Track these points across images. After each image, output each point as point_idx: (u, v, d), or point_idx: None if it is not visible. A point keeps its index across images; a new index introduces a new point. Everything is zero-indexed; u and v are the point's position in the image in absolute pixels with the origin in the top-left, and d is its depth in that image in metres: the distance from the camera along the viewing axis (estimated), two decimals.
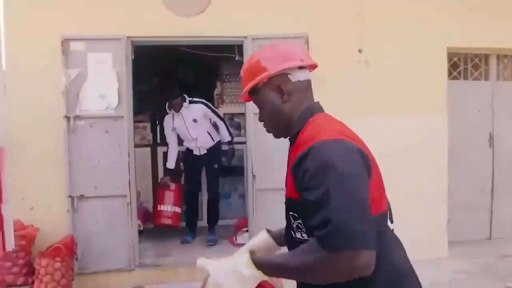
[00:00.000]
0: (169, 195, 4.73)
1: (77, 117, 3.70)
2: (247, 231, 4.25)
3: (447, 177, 4.29)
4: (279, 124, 1.28)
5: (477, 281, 3.72)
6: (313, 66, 1.31)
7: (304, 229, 1.15)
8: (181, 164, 4.84)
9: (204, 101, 4.59)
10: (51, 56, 3.65)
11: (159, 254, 4.27)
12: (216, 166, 4.62)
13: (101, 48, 3.72)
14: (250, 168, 3.99)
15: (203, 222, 4.94)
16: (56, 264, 3.32)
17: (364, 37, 4.08)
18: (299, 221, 1.16)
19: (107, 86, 3.73)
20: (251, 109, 3.78)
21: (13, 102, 3.66)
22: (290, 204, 1.20)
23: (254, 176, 3.93)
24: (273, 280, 1.29)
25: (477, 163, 4.65)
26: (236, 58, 4.30)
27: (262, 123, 1.32)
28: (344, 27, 4.10)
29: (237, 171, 5.20)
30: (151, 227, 4.95)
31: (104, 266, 3.73)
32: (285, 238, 1.30)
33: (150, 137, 5.71)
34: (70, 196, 3.68)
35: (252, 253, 1.16)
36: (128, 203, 3.76)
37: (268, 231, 1.45)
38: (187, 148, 4.64)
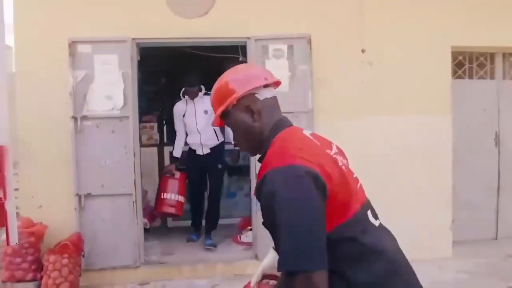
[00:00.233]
0: (173, 183, 4.57)
1: (84, 118, 3.78)
2: (251, 229, 4.30)
3: (452, 177, 4.26)
4: (253, 143, 1.33)
5: (480, 281, 3.70)
6: (277, 83, 1.37)
7: None
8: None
9: None
10: (58, 58, 3.74)
11: (164, 252, 4.33)
12: (220, 166, 4.58)
13: (107, 50, 3.80)
14: (253, 168, 4.03)
15: None
16: (64, 261, 3.41)
17: (366, 37, 4.08)
18: None
19: (113, 87, 3.81)
20: None
21: (22, 103, 3.79)
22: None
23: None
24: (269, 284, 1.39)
25: (483, 163, 4.61)
26: (240, 59, 4.34)
27: (236, 144, 1.38)
28: (346, 27, 4.10)
29: (243, 171, 5.22)
30: (158, 226, 5.00)
31: (110, 263, 3.82)
32: None
33: (157, 137, 5.76)
34: (77, 194, 3.76)
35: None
36: (133, 202, 3.83)
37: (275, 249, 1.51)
38: (190, 149, 4.60)
